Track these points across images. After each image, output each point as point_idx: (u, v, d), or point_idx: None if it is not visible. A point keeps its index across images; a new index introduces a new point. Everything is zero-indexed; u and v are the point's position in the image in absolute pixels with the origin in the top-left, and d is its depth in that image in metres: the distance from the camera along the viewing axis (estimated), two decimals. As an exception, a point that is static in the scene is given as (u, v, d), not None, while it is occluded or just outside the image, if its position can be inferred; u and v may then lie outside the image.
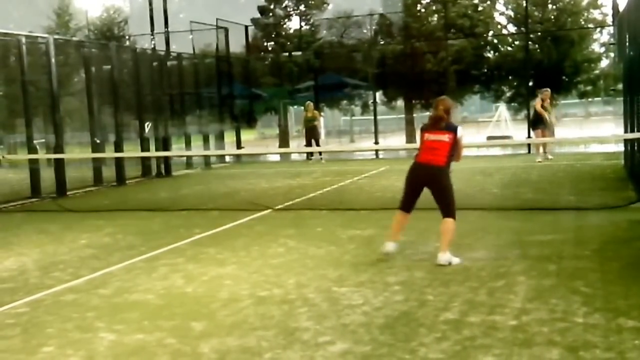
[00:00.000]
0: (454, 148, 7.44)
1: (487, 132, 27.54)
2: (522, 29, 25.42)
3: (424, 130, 7.63)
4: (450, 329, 5.21)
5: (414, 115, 28.97)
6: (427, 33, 26.85)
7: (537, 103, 18.62)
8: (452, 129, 7.44)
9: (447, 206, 7.46)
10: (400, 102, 30.25)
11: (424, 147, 7.51)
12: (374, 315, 5.65)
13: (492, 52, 27.38)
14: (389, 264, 7.37)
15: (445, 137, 7.40)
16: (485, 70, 27.20)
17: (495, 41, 27.20)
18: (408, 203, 7.64)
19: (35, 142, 15.99)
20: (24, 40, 15.66)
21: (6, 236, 10.56)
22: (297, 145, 29.51)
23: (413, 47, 26.59)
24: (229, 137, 25.48)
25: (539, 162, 18.04)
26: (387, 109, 31.63)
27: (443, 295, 6.14)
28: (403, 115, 29.78)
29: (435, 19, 27.85)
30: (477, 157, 20.99)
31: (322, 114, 27.92)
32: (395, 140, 28.49)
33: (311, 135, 22.76)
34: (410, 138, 26.78)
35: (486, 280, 6.56)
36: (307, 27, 30.23)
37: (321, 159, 22.52)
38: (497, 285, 6.37)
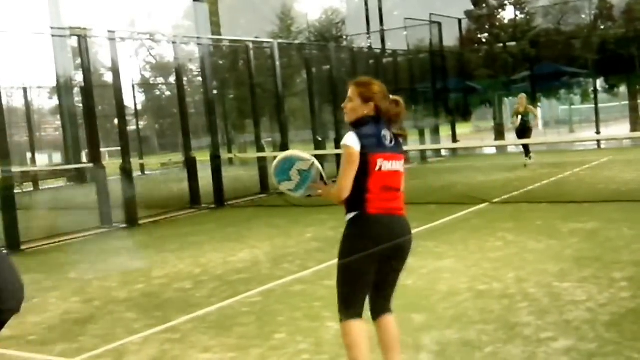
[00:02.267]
0: None
1: None
2: None
3: (369, 151, 4.02)
4: (684, 329, 4.95)
5: (639, 101, 27.16)
6: (652, 14, 25.05)
7: None
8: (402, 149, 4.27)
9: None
10: (623, 89, 28.49)
11: (379, 184, 4.06)
12: (599, 312, 5.48)
13: None
14: (615, 259, 7.08)
15: (402, 165, 4.22)
16: None
17: None
18: (363, 302, 4.38)
19: (262, 141, 17.05)
20: (251, 45, 16.75)
21: (239, 230, 11.41)
22: (513, 137, 28.79)
23: (637, 30, 24.90)
24: (444, 131, 25.47)
25: None
26: (608, 96, 29.94)
27: (675, 293, 5.82)
28: (627, 102, 27.99)
29: (663, -3, 25.90)
30: None
31: (538, 105, 26.78)
32: (619, 129, 26.87)
33: (523, 133, 18.37)
34: (634, 126, 25.13)
35: None
36: (522, 16, 29.38)
37: (529, 158, 18.37)
38: None
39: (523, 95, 19.11)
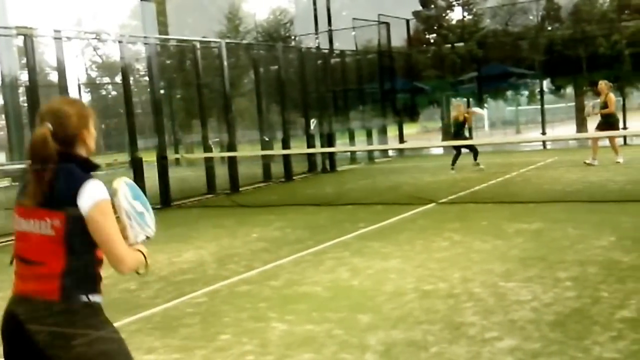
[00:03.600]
0: (84, 240, 2.70)
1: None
2: None
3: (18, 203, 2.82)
4: (627, 327, 4.99)
5: (585, 102, 27.71)
6: (599, 15, 25.56)
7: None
8: (68, 197, 2.67)
9: None
10: (569, 90, 29.04)
11: (15, 252, 2.85)
12: (544, 311, 5.51)
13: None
14: (560, 259, 7.14)
15: (51, 225, 2.68)
16: (665, 53, 25.40)
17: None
18: None
19: (210, 141, 16.88)
20: (198, 45, 16.55)
21: (186, 230, 11.24)
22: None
23: (584, 31, 25.39)
24: (392, 132, 25.60)
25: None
26: (555, 97, 30.51)
27: (619, 292, 5.87)
28: (573, 104, 28.53)
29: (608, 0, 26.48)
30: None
31: (485, 105, 27.03)
32: (565, 129, 27.41)
33: (459, 138, 17.18)
34: (580, 127, 25.63)
35: (666, 277, 6.21)
36: (470, 17, 29.71)
37: (478, 164, 16.90)
38: (678, 282, 6.01)
39: (459, 104, 18.41)
